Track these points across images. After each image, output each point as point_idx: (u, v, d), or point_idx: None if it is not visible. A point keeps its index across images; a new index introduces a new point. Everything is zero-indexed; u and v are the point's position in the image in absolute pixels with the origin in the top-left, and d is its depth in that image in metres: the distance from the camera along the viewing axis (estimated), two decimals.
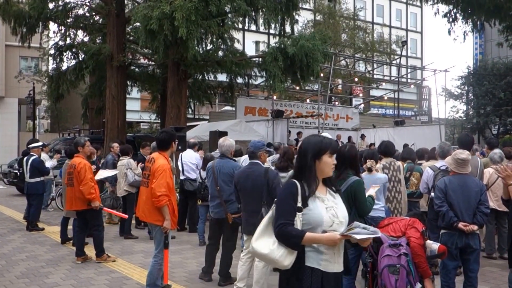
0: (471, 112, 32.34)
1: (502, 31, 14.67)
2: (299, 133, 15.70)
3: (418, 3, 17.23)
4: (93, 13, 15.00)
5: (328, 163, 2.29)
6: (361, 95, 28.96)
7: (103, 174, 7.32)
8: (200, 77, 14.83)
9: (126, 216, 6.71)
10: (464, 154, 3.97)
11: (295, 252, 2.17)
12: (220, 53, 13.02)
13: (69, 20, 14.03)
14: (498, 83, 29.07)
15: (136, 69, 16.06)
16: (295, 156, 3.91)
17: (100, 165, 8.65)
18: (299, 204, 2.19)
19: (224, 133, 9.09)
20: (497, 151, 6.17)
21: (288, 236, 2.15)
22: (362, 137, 17.35)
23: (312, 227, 2.20)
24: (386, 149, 5.14)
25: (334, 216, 2.25)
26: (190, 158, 7.57)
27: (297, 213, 2.19)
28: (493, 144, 6.75)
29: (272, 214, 2.30)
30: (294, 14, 12.14)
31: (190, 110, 17.49)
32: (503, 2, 12.90)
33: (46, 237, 7.31)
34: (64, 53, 14.87)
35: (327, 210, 2.24)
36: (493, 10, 12.98)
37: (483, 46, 41.95)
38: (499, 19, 13.84)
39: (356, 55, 22.31)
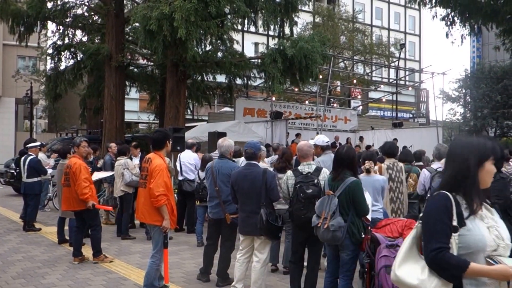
0: (468, 115, 32.52)
1: (499, 34, 14.75)
2: (298, 135, 15.72)
3: (417, 6, 17.30)
4: (92, 13, 15.00)
5: (491, 171, 1.86)
6: (359, 97, 29.02)
7: (98, 175, 7.30)
8: (199, 78, 14.84)
9: (110, 208, 6.94)
10: None
11: (450, 284, 1.76)
12: (219, 54, 13.03)
13: (67, 20, 14.01)
14: (495, 86, 29.27)
15: (135, 70, 16.05)
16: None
17: (98, 166, 8.64)
18: (455, 223, 1.77)
19: (223, 134, 9.08)
20: None
21: (446, 265, 1.73)
22: (361, 139, 17.39)
23: (472, 251, 1.77)
24: (389, 150, 5.15)
25: (499, 237, 1.81)
26: (189, 159, 7.56)
27: (453, 234, 1.77)
28: None
29: (415, 233, 1.89)
30: (293, 16, 12.16)
31: (189, 111, 17.52)
32: (500, 6, 12.99)
33: (43, 238, 7.27)
34: (62, 53, 14.84)
35: (489, 231, 1.81)
36: (490, 14, 13.06)
37: (480, 50, 42.21)
38: (496, 23, 13.93)
39: (354, 57, 22.37)
